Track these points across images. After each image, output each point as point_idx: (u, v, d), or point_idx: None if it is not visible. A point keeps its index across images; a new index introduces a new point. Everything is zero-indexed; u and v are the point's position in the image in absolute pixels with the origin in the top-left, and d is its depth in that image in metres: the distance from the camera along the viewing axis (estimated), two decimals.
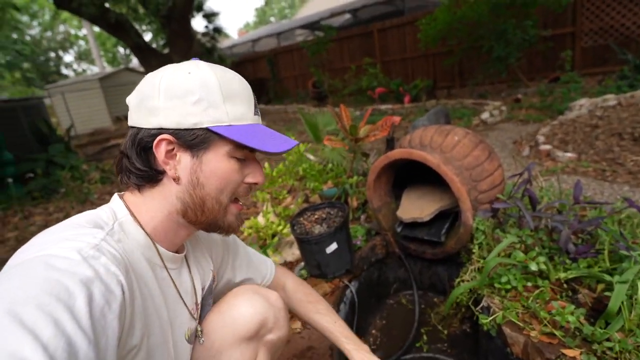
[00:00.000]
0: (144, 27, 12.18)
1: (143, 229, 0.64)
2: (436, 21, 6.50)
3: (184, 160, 0.62)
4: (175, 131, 0.61)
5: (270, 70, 12.31)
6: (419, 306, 1.68)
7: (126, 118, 0.69)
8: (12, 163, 5.30)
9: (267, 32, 15.60)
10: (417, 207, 1.75)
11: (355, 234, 1.89)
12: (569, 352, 0.90)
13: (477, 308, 1.22)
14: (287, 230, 1.97)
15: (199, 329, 0.79)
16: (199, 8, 10.73)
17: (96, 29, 16.59)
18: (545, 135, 3.91)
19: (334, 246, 1.58)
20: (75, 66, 32.69)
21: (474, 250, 1.41)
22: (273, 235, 2.00)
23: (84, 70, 32.46)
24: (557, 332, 0.95)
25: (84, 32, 24.83)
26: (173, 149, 0.62)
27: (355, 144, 2.14)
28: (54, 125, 8.30)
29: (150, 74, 0.64)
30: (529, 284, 1.15)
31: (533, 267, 1.13)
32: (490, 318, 1.09)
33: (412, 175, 1.90)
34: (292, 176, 2.35)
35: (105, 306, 0.46)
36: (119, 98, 13.22)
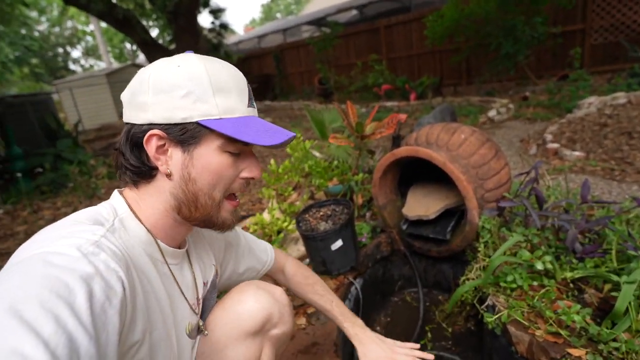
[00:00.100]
0: (150, 23, 12.22)
1: (143, 225, 0.64)
2: (443, 18, 6.45)
3: (175, 155, 0.62)
4: (165, 126, 0.60)
5: (276, 67, 12.30)
6: (423, 304, 1.68)
7: None
8: (21, 158, 5.37)
9: (273, 28, 15.57)
10: (422, 205, 1.74)
11: (361, 231, 1.90)
12: (575, 352, 0.89)
13: (482, 306, 1.22)
14: (292, 226, 1.98)
15: (200, 323, 0.80)
16: (206, 4, 10.74)
17: (103, 24, 16.68)
18: (553, 133, 3.87)
19: (339, 243, 1.59)
20: (82, 62, 32.93)
21: (479, 249, 1.41)
22: (278, 232, 2.01)
23: (91, 66, 32.70)
24: (562, 332, 0.95)
25: (91, 28, 24.98)
26: (164, 144, 0.61)
27: (361, 141, 2.13)
28: (62, 120, 8.38)
29: (141, 69, 0.64)
30: (535, 283, 1.15)
31: (539, 266, 1.13)
32: (495, 316, 1.09)
33: (418, 173, 1.89)
34: (298, 173, 2.35)
35: (105, 302, 0.46)
36: None
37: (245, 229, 1.96)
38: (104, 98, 13.20)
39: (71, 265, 0.45)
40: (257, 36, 15.72)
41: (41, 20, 25.24)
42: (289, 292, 1.61)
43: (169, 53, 8.72)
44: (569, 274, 1.13)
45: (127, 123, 0.64)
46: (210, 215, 0.66)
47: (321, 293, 1.05)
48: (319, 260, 1.64)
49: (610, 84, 5.22)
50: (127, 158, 0.63)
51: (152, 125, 0.60)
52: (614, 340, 0.88)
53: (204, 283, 0.80)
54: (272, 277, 1.08)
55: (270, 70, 12.71)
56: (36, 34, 24.04)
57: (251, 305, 0.85)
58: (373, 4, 11.04)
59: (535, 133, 4.27)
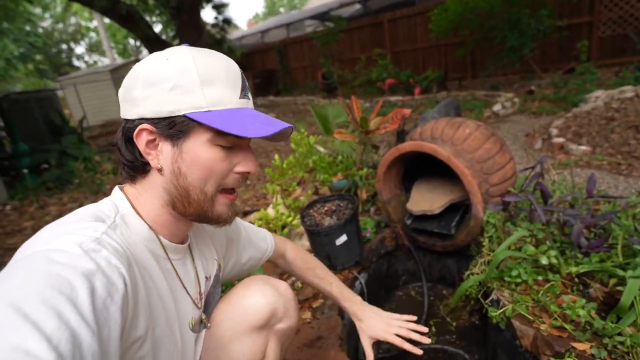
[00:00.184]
0: (153, 19, 12.21)
1: (145, 221, 0.64)
2: (447, 12, 6.38)
3: (165, 150, 0.61)
4: (155, 120, 0.60)
5: (279, 62, 12.26)
6: (428, 298, 1.68)
7: None
8: (27, 154, 5.41)
9: (277, 23, 15.49)
10: (427, 199, 1.74)
11: (365, 226, 1.90)
12: (579, 346, 0.90)
13: (487, 301, 1.22)
14: (297, 221, 1.99)
15: (203, 317, 0.80)
16: None
17: (107, 20, 16.70)
18: (559, 127, 3.84)
19: (343, 238, 1.59)
20: (86, 58, 33.02)
21: (484, 243, 1.41)
22: (283, 227, 2.02)
23: (95, 62, 32.77)
24: (567, 326, 0.95)
25: (94, 24, 24.98)
26: (155, 139, 0.61)
27: (365, 136, 2.13)
28: (67, 116, 8.43)
29: (135, 65, 0.64)
30: (540, 277, 1.15)
31: (544, 260, 1.13)
32: (500, 311, 1.09)
33: (422, 167, 1.89)
34: (302, 168, 2.35)
35: (107, 298, 0.46)
36: None
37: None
38: (108, 94, 13.24)
39: (73, 262, 0.45)
40: (260, 31, 15.66)
41: (45, 17, 25.29)
42: (293, 285, 1.62)
43: None
44: (574, 269, 1.13)
45: (123, 119, 0.64)
46: (205, 210, 0.65)
47: (321, 276, 1.10)
48: (324, 255, 1.64)
49: (618, 77, 5.15)
50: (122, 153, 0.64)
51: (142, 120, 0.60)
52: (619, 334, 0.88)
53: (206, 278, 0.81)
54: (273, 262, 1.10)
55: (273, 65, 12.67)
56: (40, 30, 24.08)
57: (257, 300, 0.86)
58: None
59: (541, 127, 4.24)
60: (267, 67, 12.85)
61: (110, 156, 6.30)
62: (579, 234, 1.19)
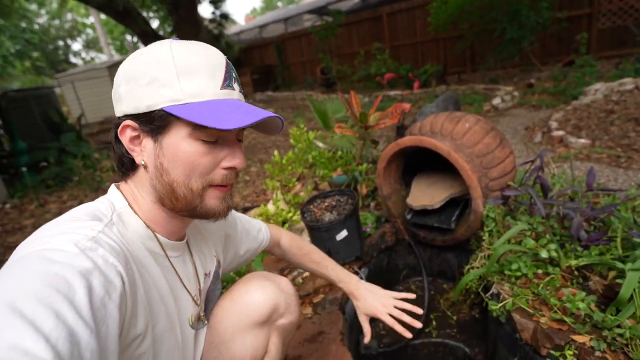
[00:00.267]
0: (151, 14, 12.13)
1: (141, 219, 0.64)
2: (447, 4, 6.34)
3: (147, 146, 0.61)
4: (136, 116, 0.59)
5: (277, 57, 12.20)
6: (428, 292, 1.69)
7: None
8: (25, 152, 5.40)
9: (275, 18, 15.39)
10: (427, 194, 1.74)
11: (365, 221, 1.90)
12: (579, 338, 0.90)
13: (487, 295, 1.22)
14: (297, 217, 1.99)
15: (201, 314, 0.80)
16: None
17: (103, 16, 16.57)
18: (558, 120, 3.83)
19: (344, 233, 1.59)
20: (83, 54, 32.82)
21: (484, 238, 1.41)
22: (283, 223, 2.02)
23: (92, 59, 32.58)
24: (567, 319, 0.95)
25: (91, 20, 24.80)
26: (138, 135, 0.61)
27: (365, 131, 2.13)
28: (65, 114, 8.39)
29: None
30: (540, 271, 1.15)
31: (544, 254, 1.13)
32: (500, 304, 1.09)
33: (422, 162, 1.89)
34: (302, 164, 2.35)
35: (105, 296, 0.46)
36: None
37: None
38: (106, 91, 13.17)
39: (69, 261, 0.45)
40: (258, 26, 15.56)
41: (41, 13, 25.09)
42: (294, 281, 1.63)
43: None
44: (573, 262, 1.13)
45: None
46: (194, 206, 0.63)
47: (317, 261, 1.13)
48: (324, 251, 1.64)
49: (618, 69, 5.14)
50: (114, 151, 0.65)
51: (126, 117, 0.60)
52: (618, 326, 0.88)
53: (205, 274, 0.81)
54: (269, 251, 1.11)
55: (272, 60, 12.61)
56: (36, 27, 23.93)
57: (258, 296, 0.87)
58: None
59: (540, 120, 4.24)
60: (266, 62, 12.79)
61: (109, 153, 6.29)
62: (579, 227, 1.19)
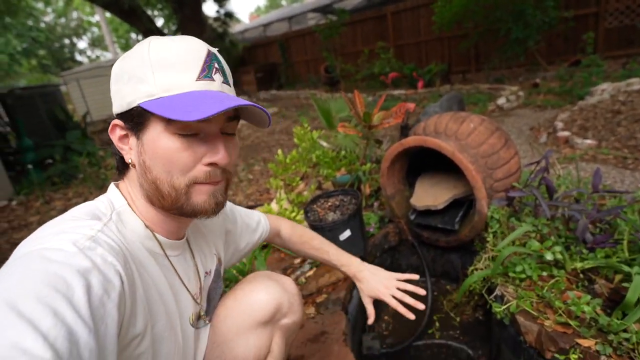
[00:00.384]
0: (155, 13, 12.17)
1: (140, 218, 0.64)
2: (452, 3, 6.30)
3: (132, 144, 0.61)
4: (121, 114, 0.60)
5: (281, 55, 12.20)
6: (431, 293, 1.68)
7: None
8: (31, 149, 5.44)
9: (279, 16, 15.39)
10: (431, 195, 1.74)
11: (369, 221, 1.90)
12: (584, 342, 0.89)
13: (491, 296, 1.22)
14: (300, 217, 1.99)
15: (202, 313, 0.80)
16: None
17: (108, 15, 16.65)
18: (564, 121, 3.80)
19: (347, 233, 1.59)
20: (89, 52, 33.02)
21: (488, 239, 1.40)
22: None
23: (97, 57, 32.76)
24: (572, 322, 0.95)
25: (97, 18, 24.92)
26: (126, 134, 0.61)
27: (368, 130, 2.12)
28: (70, 112, 8.45)
29: None
30: (544, 273, 1.14)
31: (548, 256, 1.12)
32: (504, 307, 1.09)
33: (426, 162, 1.88)
34: (305, 163, 2.35)
35: (104, 295, 0.46)
36: None
37: None
38: None
39: (68, 260, 0.45)
40: (262, 24, 15.57)
41: (47, 12, 25.24)
42: (297, 280, 1.63)
43: None
44: (579, 265, 1.12)
45: None
46: (181, 204, 0.61)
47: (317, 247, 1.12)
48: None
49: (625, 69, 5.09)
50: (113, 150, 0.66)
51: (117, 116, 0.62)
52: (625, 331, 0.88)
53: (206, 273, 0.81)
54: (269, 242, 1.11)
55: (276, 58, 12.61)
56: (42, 25, 24.09)
57: (262, 296, 0.87)
58: None
59: (546, 121, 4.20)
60: (270, 60, 12.79)
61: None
62: (585, 229, 1.18)
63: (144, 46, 0.59)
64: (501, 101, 5.19)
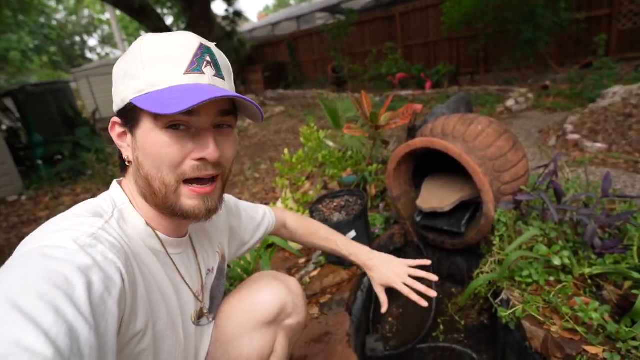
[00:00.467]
0: (165, 11, 12.25)
1: (141, 216, 0.64)
2: (461, 4, 6.25)
3: (129, 140, 0.62)
4: (118, 112, 0.62)
5: (289, 54, 12.20)
6: (436, 296, 1.67)
7: None
8: (41, 145, 5.52)
9: (287, 16, 15.40)
10: (437, 197, 1.72)
11: (374, 222, 1.89)
12: (591, 349, 0.88)
13: (496, 300, 1.21)
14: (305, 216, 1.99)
15: (205, 310, 0.80)
16: None
17: (118, 13, 16.81)
18: (574, 124, 3.75)
19: (352, 234, 1.59)
20: (99, 50, 33.34)
21: (494, 242, 1.39)
22: None
23: (107, 54, 33.06)
24: (579, 329, 0.93)
25: (107, 16, 25.16)
26: (125, 131, 0.62)
27: (375, 131, 2.11)
28: (80, 108, 8.54)
29: None
30: (551, 278, 1.13)
31: (556, 261, 1.11)
32: (510, 311, 1.08)
33: (432, 164, 1.87)
34: (312, 163, 2.35)
35: (104, 292, 0.46)
36: None
37: None
38: None
39: (68, 257, 0.45)
40: (270, 24, 15.59)
41: (59, 9, 25.55)
42: (301, 280, 1.63)
43: None
44: (587, 270, 1.11)
45: None
46: (171, 204, 0.61)
47: (325, 237, 1.12)
48: None
49: (638, 72, 5.01)
50: (116, 148, 0.66)
51: (115, 114, 0.63)
52: (633, 339, 0.86)
53: (208, 270, 0.81)
54: (276, 234, 1.10)
55: (283, 58, 12.62)
56: (54, 22, 24.39)
57: (266, 296, 0.87)
58: None
59: (555, 124, 4.15)
60: (278, 60, 12.81)
61: None
62: (593, 234, 1.17)
63: (138, 43, 0.59)
64: (510, 103, 5.14)
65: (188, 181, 0.61)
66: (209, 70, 0.59)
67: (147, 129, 0.58)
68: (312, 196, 2.25)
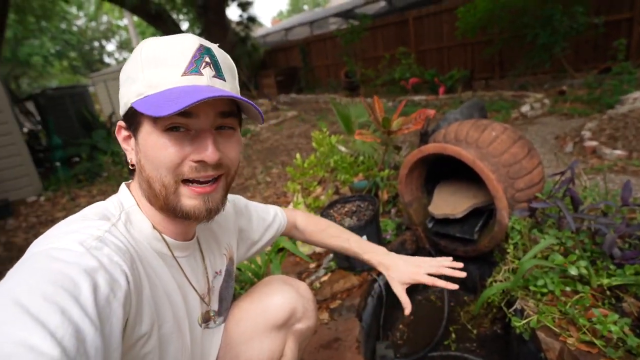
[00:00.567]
0: (181, 17, 12.50)
1: (148, 219, 0.64)
2: (476, 9, 6.21)
3: (132, 144, 0.63)
4: (123, 116, 0.62)
5: (302, 59, 12.29)
6: (448, 304, 1.65)
7: None
8: (60, 147, 5.67)
9: (300, 21, 15.52)
10: (449, 203, 1.70)
11: (385, 228, 1.88)
12: None
13: (510, 310, 1.18)
14: None
15: (212, 313, 0.80)
16: None
17: (136, 18, 17.20)
18: (592, 130, 3.67)
19: (363, 239, 1.58)
20: (116, 55, 34.16)
21: (508, 250, 1.37)
22: None
23: (124, 59, 33.81)
24: (597, 341, 0.90)
25: (125, 22, 25.80)
26: (130, 135, 0.63)
27: (387, 136, 2.10)
28: (97, 112, 8.75)
29: None
30: (568, 288, 1.10)
31: (573, 271, 1.08)
32: (524, 321, 1.05)
33: (445, 170, 1.85)
34: (323, 167, 2.35)
35: (110, 294, 0.47)
36: None
37: None
38: None
39: (75, 259, 0.46)
40: (284, 29, 15.73)
41: (79, 16, 26.32)
42: (312, 285, 1.62)
43: None
44: (605, 281, 1.07)
45: None
46: (172, 205, 0.61)
47: (336, 235, 1.08)
48: (343, 257, 1.64)
49: None
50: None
51: (121, 118, 0.63)
52: None
53: (216, 273, 0.81)
54: (287, 234, 1.09)
55: (296, 62, 12.71)
56: (74, 28, 25.13)
57: (277, 300, 0.87)
58: None
59: (572, 130, 4.07)
60: (290, 64, 12.90)
61: None
62: (612, 244, 1.13)
63: (139, 47, 0.60)
64: (525, 109, 5.06)
65: (188, 181, 0.60)
66: (207, 71, 0.58)
67: (147, 132, 0.58)
68: (323, 201, 2.25)
